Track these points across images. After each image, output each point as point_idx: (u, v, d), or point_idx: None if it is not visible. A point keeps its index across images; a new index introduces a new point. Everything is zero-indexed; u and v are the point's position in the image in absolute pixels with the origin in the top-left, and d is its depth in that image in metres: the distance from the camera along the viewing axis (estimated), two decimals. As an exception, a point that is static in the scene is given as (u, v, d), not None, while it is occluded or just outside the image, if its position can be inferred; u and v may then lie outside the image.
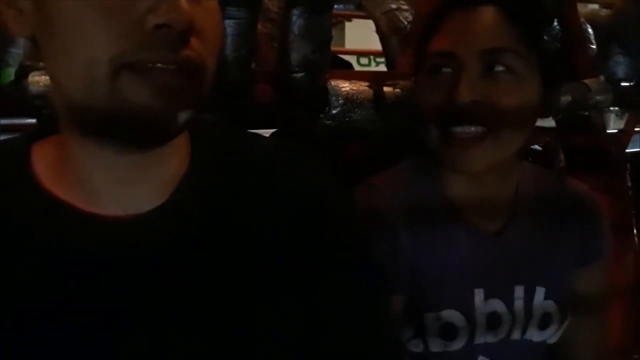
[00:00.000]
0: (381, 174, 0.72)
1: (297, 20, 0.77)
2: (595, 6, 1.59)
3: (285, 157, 0.52)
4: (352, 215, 0.55)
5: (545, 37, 0.66)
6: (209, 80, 0.42)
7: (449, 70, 0.63)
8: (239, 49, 0.74)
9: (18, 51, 0.67)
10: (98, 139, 0.41)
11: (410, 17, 1.06)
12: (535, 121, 0.69)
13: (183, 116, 0.40)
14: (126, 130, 0.40)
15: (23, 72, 0.65)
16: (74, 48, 0.38)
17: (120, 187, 0.44)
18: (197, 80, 0.40)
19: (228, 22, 0.72)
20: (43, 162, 0.45)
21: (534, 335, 0.70)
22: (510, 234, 0.70)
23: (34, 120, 0.68)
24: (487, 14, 0.63)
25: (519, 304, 0.69)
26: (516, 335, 0.69)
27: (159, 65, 0.38)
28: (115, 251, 0.43)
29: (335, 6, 1.25)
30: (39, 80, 0.65)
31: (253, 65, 0.87)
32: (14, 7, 0.40)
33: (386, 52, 1.06)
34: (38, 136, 0.47)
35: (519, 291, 0.69)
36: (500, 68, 0.62)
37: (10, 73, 0.67)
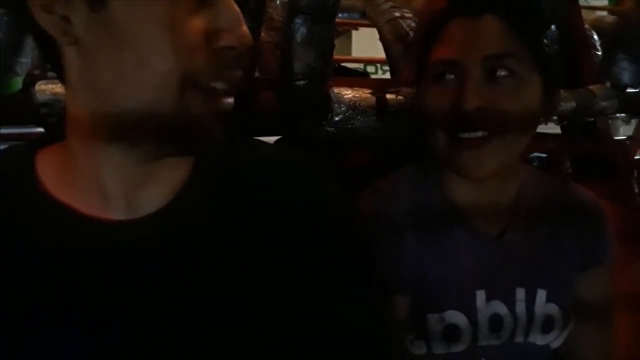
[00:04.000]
0: (384, 178, 0.73)
1: (300, 29, 0.78)
2: (603, 13, 1.59)
3: (287, 163, 0.53)
4: (353, 221, 0.55)
5: (544, 40, 0.67)
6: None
7: (452, 77, 0.64)
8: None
9: (26, 60, 0.69)
10: (125, 145, 0.43)
11: (414, 25, 1.07)
12: (538, 123, 0.69)
13: (222, 130, 0.44)
14: (182, 137, 0.43)
15: (30, 81, 0.66)
16: (147, 61, 0.40)
17: (129, 191, 0.45)
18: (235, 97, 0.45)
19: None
20: (47, 169, 0.46)
21: (537, 338, 0.70)
22: (511, 236, 0.70)
23: (40, 130, 0.70)
24: (488, 21, 0.64)
25: (520, 306, 0.69)
26: (519, 338, 0.69)
27: (219, 84, 0.42)
28: (119, 253, 0.44)
29: (340, 15, 1.26)
30: (45, 88, 0.66)
31: (256, 74, 0.88)
32: (56, 14, 0.40)
33: (390, 60, 1.07)
34: (42, 143, 0.48)
35: (520, 293, 0.69)
36: (503, 73, 0.63)
37: (19, 82, 0.69)
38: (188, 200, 0.47)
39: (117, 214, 0.45)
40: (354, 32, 3.61)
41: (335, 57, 0.89)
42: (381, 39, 1.08)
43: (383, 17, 1.08)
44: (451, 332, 0.66)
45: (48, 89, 0.67)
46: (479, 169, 0.65)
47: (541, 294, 0.69)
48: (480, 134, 0.63)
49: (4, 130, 0.70)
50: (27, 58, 0.69)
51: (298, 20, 0.78)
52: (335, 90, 0.85)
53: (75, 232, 0.44)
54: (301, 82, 0.80)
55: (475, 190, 0.69)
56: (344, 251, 0.52)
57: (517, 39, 0.64)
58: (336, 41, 0.90)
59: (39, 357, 0.42)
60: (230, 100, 0.43)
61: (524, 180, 0.73)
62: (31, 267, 0.43)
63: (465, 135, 0.63)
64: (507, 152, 0.64)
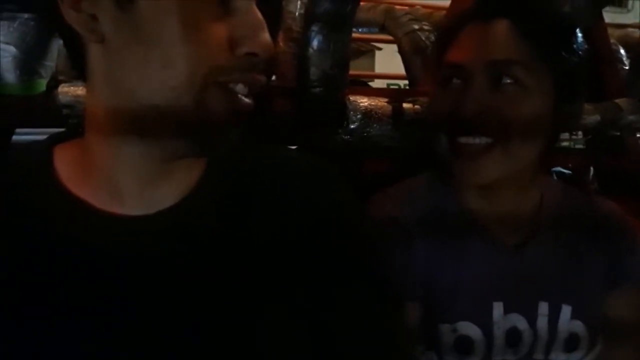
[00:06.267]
0: (399, 184, 0.72)
1: (316, 36, 0.79)
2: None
3: (298, 167, 0.53)
4: (361, 227, 0.55)
5: (563, 52, 0.65)
6: None
7: (458, 81, 0.63)
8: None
9: (50, 64, 0.72)
10: (143, 142, 0.44)
11: (432, 38, 1.07)
12: (550, 135, 0.67)
13: (238, 133, 0.45)
14: (200, 136, 0.43)
15: (54, 84, 0.69)
16: (170, 61, 0.41)
17: (143, 187, 0.45)
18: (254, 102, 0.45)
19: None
20: (65, 164, 0.47)
21: (560, 357, 0.66)
22: (531, 248, 0.68)
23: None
24: (499, 27, 0.63)
25: (542, 321, 0.65)
26: (539, 355, 0.66)
27: (240, 87, 0.43)
28: (130, 248, 0.44)
29: (360, 30, 1.28)
30: (67, 90, 0.69)
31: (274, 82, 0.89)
32: (84, 12, 0.42)
33: (408, 71, 1.07)
34: (61, 139, 0.49)
35: (543, 308, 0.66)
36: (508, 80, 0.61)
37: (42, 84, 0.71)
38: (199, 199, 0.47)
39: (130, 210, 0.45)
40: (377, 52, 3.65)
41: (358, 72, 0.89)
42: (400, 50, 1.09)
43: (402, 29, 1.09)
44: (463, 344, 0.63)
45: (70, 91, 0.70)
46: (479, 177, 0.63)
47: (566, 310, 0.66)
48: (478, 140, 0.61)
49: (26, 137, 0.72)
50: (52, 61, 0.72)
51: (314, 28, 0.79)
52: (351, 98, 0.85)
53: (89, 226, 0.44)
54: (317, 90, 0.81)
55: (490, 199, 0.68)
56: (351, 257, 0.51)
57: (528, 47, 0.62)
58: (360, 60, 0.90)
59: (49, 348, 0.42)
60: (250, 101, 0.44)
61: (547, 192, 0.71)
62: (44, 258, 0.43)
63: (464, 140, 0.62)
64: (510, 161, 0.62)
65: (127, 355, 0.43)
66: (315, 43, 0.79)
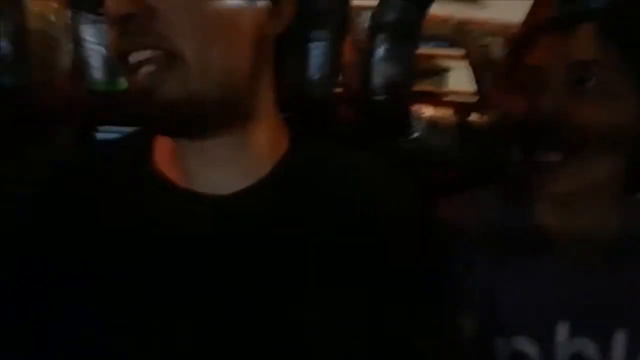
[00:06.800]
0: (464, 194, 0.69)
1: (380, 45, 0.79)
2: None
3: (375, 172, 0.53)
4: (432, 237, 0.53)
5: None
6: (197, 68, 0.42)
7: (535, 85, 0.61)
8: (321, 70, 0.77)
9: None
10: None
11: (505, 52, 1.04)
12: (633, 148, 0.62)
13: (173, 101, 0.42)
14: (146, 119, 0.45)
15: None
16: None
17: (208, 168, 0.47)
18: (171, 66, 0.41)
19: (313, 44, 0.76)
20: (160, 151, 0.50)
21: None
22: (611, 269, 0.62)
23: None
24: (582, 30, 0.60)
25: (618, 351, 0.60)
26: None
27: (132, 58, 0.41)
28: (206, 226, 0.46)
29: (431, 43, 1.26)
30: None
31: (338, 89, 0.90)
32: None
33: (478, 85, 1.05)
34: None
35: (621, 336, 0.60)
36: (591, 82, 0.58)
37: (125, 82, 0.76)
38: (270, 184, 0.48)
39: (205, 190, 0.47)
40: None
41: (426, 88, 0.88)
42: (470, 63, 1.07)
43: (473, 43, 1.07)
44: None
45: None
46: (555, 185, 0.59)
47: None
48: (556, 145, 0.58)
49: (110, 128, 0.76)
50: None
51: (379, 37, 0.79)
52: (416, 107, 0.84)
53: (174, 203, 0.47)
54: (380, 98, 0.81)
55: (564, 215, 0.63)
56: (419, 267, 0.50)
57: (615, 49, 0.59)
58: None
59: (142, 326, 0.43)
60: (152, 69, 0.40)
61: (632, 213, 0.65)
62: (144, 239, 0.45)
63: (540, 146, 0.58)
64: (586, 171, 0.59)
65: (209, 328, 0.44)
66: (379, 52, 0.80)
